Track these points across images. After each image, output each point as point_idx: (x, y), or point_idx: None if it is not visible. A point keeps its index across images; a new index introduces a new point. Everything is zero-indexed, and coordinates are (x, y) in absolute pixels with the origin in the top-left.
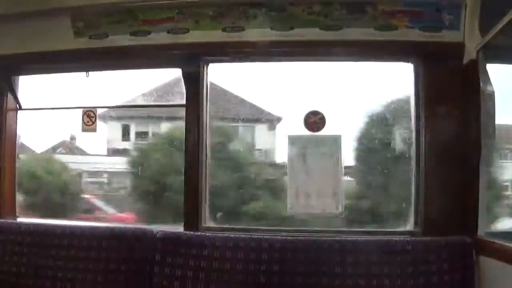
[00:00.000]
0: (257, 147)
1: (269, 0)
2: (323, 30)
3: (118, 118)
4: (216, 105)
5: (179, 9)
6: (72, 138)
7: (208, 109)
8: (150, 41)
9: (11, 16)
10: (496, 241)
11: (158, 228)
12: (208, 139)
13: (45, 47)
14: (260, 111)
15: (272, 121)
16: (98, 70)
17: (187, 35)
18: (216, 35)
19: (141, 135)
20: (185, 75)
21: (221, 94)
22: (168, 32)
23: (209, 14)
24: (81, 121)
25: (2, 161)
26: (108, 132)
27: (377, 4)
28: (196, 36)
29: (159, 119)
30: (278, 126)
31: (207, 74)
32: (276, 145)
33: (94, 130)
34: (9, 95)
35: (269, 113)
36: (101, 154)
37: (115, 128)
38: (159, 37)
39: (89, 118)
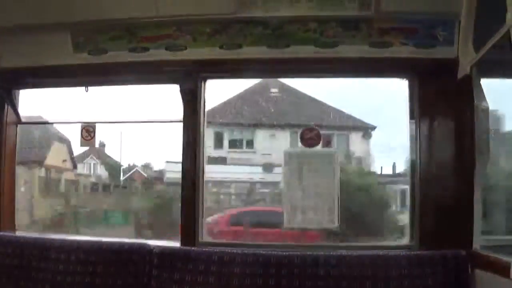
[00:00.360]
0: None
1: (265, 18)
2: (319, 47)
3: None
4: None
5: (177, 26)
6: (101, 145)
7: (205, 125)
8: (148, 58)
9: (11, 30)
10: (491, 254)
11: (155, 243)
12: (205, 154)
13: (45, 62)
14: None
15: None
16: (97, 85)
17: (185, 52)
18: (213, 52)
19: (235, 143)
20: (182, 91)
21: None
22: (166, 48)
23: (207, 32)
24: (80, 136)
25: (1, 174)
26: None
27: (372, 21)
28: (193, 53)
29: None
30: None
31: (204, 90)
32: None
33: (93, 144)
34: (9, 109)
35: None
36: None
37: (208, 136)
38: (157, 54)
39: (88, 133)
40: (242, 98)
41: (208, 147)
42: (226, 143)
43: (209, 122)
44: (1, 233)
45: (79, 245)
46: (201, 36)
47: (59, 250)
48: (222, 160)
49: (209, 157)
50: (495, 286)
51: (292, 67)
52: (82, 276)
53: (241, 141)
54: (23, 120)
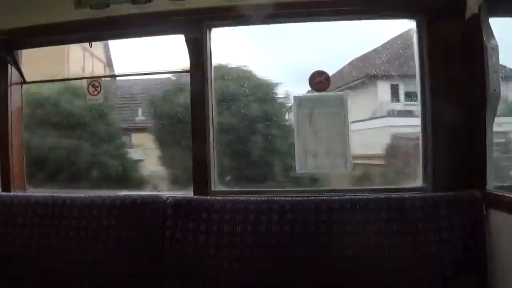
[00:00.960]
0: None
1: None
2: None
3: (386, 78)
4: None
5: None
6: None
7: (212, 75)
8: (151, 9)
9: None
10: (505, 194)
11: (167, 194)
12: (214, 105)
13: (46, 20)
14: None
15: None
16: (101, 40)
17: (188, 1)
18: (218, 0)
19: (411, 95)
20: (188, 41)
21: None
22: None
23: None
24: (86, 91)
25: (9, 135)
26: (378, 94)
27: None
28: (197, 1)
29: None
30: None
31: (210, 39)
32: None
33: (100, 100)
34: (13, 69)
35: None
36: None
37: (384, 89)
38: (160, 4)
39: (94, 88)
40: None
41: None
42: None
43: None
44: (12, 193)
45: (92, 201)
46: None
47: (71, 207)
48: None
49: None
50: (510, 225)
51: (299, 10)
52: (96, 231)
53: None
54: (27, 79)
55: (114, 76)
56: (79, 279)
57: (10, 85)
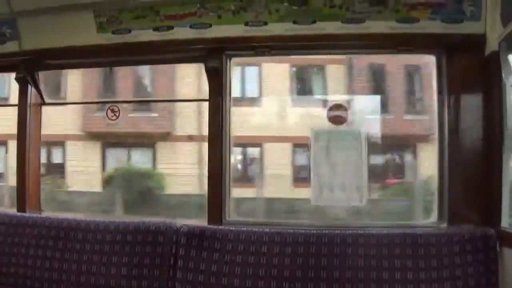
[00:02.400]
0: None
1: None
2: (345, 23)
3: None
4: None
5: (201, 4)
6: None
7: (231, 103)
8: (173, 36)
9: (34, 12)
10: None
11: (182, 222)
12: (231, 133)
13: (68, 42)
14: None
15: None
16: (121, 65)
17: (209, 30)
18: (238, 30)
19: None
20: (208, 69)
21: None
22: (191, 27)
23: (231, 9)
24: (106, 115)
25: (27, 156)
26: None
27: None
28: (218, 30)
29: None
30: None
31: (230, 68)
32: None
33: (118, 124)
34: (33, 90)
35: None
36: None
37: None
38: (182, 32)
39: (113, 113)
40: None
41: None
42: None
43: None
44: (28, 214)
45: (105, 226)
46: (225, 13)
47: (85, 231)
48: None
49: None
50: None
51: (318, 43)
52: (109, 256)
53: None
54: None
55: (134, 101)
56: None
57: (30, 106)
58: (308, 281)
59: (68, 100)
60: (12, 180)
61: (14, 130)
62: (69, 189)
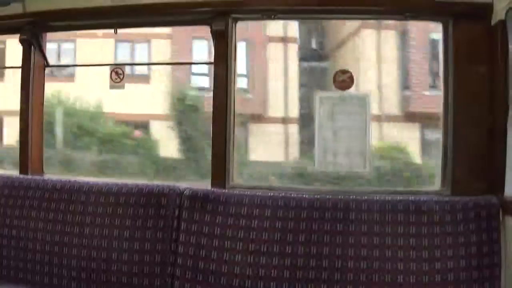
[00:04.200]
0: None
1: None
2: None
3: None
4: None
5: None
6: None
7: (236, 67)
8: None
9: None
10: None
11: (185, 185)
12: (236, 97)
13: (72, 4)
14: None
15: None
16: (126, 28)
17: None
18: None
19: None
20: (213, 32)
21: None
22: None
23: None
24: (109, 78)
25: (30, 117)
26: None
27: None
28: None
29: None
30: None
31: (235, 32)
32: None
33: (123, 87)
34: (37, 52)
35: None
36: None
37: None
38: None
39: (117, 75)
40: None
41: None
42: None
43: None
44: (30, 176)
45: (108, 188)
46: None
47: (88, 193)
48: None
49: None
50: None
51: (325, 8)
52: (112, 218)
53: None
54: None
55: (138, 64)
56: (92, 265)
57: (33, 68)
58: (311, 245)
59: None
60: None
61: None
62: None
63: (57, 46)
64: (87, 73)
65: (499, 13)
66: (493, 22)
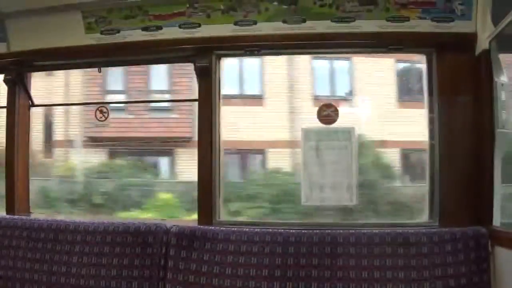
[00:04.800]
0: None
1: None
2: (335, 22)
3: None
4: None
5: (190, 3)
6: None
7: (220, 103)
8: (162, 36)
9: (22, 13)
10: (511, 231)
11: (172, 222)
12: (221, 134)
13: (56, 43)
14: None
15: None
16: (110, 66)
17: (198, 30)
18: (228, 29)
19: None
20: (197, 69)
21: None
22: (180, 26)
23: (220, 8)
24: (94, 117)
25: (16, 157)
26: None
27: None
28: (207, 30)
29: None
30: None
31: (219, 68)
32: None
33: (107, 125)
34: (22, 92)
35: None
36: None
37: None
38: (171, 32)
39: (102, 113)
40: None
41: None
42: None
43: None
44: (16, 216)
45: (94, 227)
46: (214, 13)
47: (74, 232)
48: None
49: None
50: None
51: (308, 43)
52: (98, 257)
53: None
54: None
55: (122, 102)
56: None
57: (18, 108)
58: (299, 281)
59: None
60: None
61: None
62: None
63: None
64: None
65: (483, 43)
66: (477, 52)
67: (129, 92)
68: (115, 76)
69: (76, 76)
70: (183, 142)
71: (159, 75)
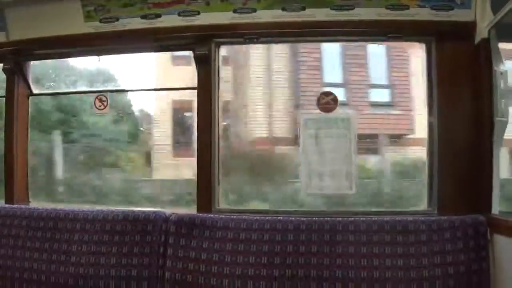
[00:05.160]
0: None
1: None
2: (335, 10)
3: None
4: None
5: None
6: None
7: (219, 91)
8: (161, 24)
9: (21, 2)
10: (510, 219)
11: (171, 210)
12: (220, 121)
13: (55, 32)
14: None
15: None
16: (109, 54)
17: (197, 17)
18: (227, 17)
19: None
20: (196, 57)
21: None
22: (179, 14)
23: None
24: (93, 105)
25: (15, 146)
26: None
27: None
28: (207, 18)
29: None
30: None
31: (218, 56)
32: None
33: (107, 114)
34: (21, 81)
35: None
36: None
37: None
38: (170, 20)
39: (101, 102)
40: None
41: None
42: None
43: None
44: (16, 205)
45: (94, 215)
46: (214, 0)
47: (73, 221)
48: None
49: None
50: None
51: (307, 30)
52: (98, 246)
53: None
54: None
55: (122, 91)
56: None
57: (17, 97)
58: (298, 268)
59: None
60: None
61: None
62: None
63: None
64: None
65: (482, 32)
66: (476, 40)
67: (347, 86)
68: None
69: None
70: (395, 139)
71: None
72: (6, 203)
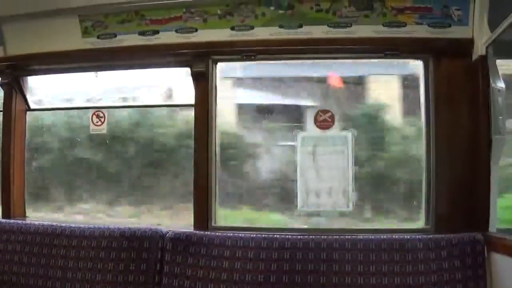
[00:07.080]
0: None
1: None
2: (332, 27)
3: None
4: None
5: (186, 8)
6: None
7: (217, 108)
8: (158, 41)
9: (19, 17)
10: (507, 237)
11: (168, 228)
12: (217, 138)
13: (53, 48)
14: None
15: None
16: (107, 70)
17: (195, 34)
18: (224, 34)
19: None
20: (193, 74)
21: None
22: (176, 31)
23: (217, 13)
24: (90, 121)
25: (11, 161)
26: None
27: (386, 0)
28: (204, 35)
29: None
30: None
31: (215, 73)
32: None
33: (103, 130)
34: (18, 96)
35: None
36: None
37: None
38: (168, 37)
39: (98, 118)
40: None
41: None
42: None
43: None
44: (13, 220)
45: (90, 232)
46: (211, 17)
47: (70, 237)
48: None
49: None
50: (511, 269)
51: (304, 47)
52: (94, 262)
53: None
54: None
55: (119, 107)
56: None
57: (15, 112)
58: (294, 286)
59: None
60: None
61: None
62: None
63: None
64: None
65: (479, 49)
66: (474, 57)
67: None
68: None
69: None
70: None
71: None
72: (3, 217)
